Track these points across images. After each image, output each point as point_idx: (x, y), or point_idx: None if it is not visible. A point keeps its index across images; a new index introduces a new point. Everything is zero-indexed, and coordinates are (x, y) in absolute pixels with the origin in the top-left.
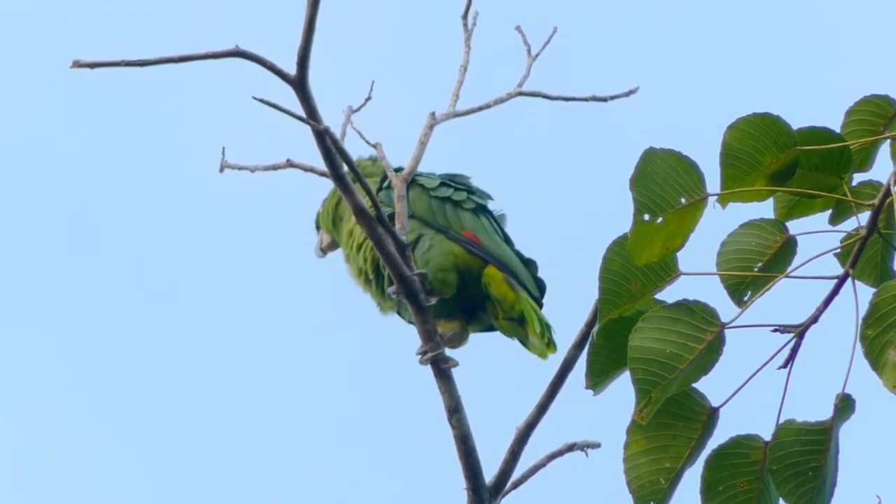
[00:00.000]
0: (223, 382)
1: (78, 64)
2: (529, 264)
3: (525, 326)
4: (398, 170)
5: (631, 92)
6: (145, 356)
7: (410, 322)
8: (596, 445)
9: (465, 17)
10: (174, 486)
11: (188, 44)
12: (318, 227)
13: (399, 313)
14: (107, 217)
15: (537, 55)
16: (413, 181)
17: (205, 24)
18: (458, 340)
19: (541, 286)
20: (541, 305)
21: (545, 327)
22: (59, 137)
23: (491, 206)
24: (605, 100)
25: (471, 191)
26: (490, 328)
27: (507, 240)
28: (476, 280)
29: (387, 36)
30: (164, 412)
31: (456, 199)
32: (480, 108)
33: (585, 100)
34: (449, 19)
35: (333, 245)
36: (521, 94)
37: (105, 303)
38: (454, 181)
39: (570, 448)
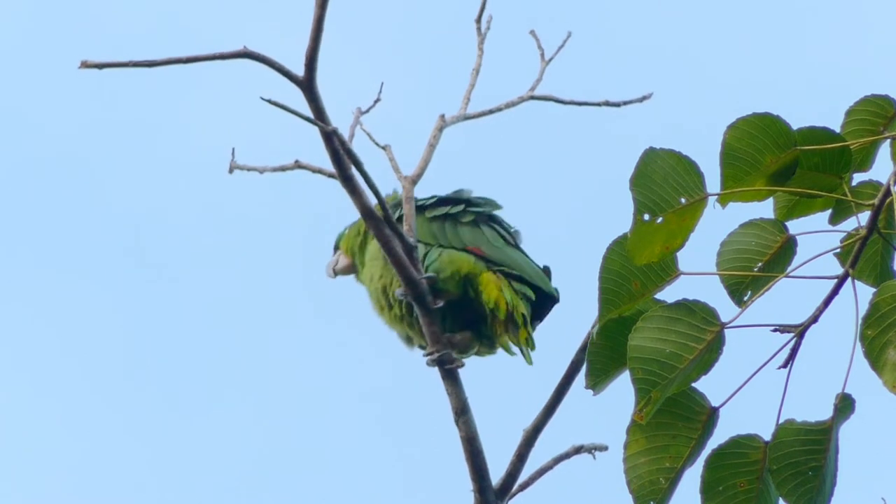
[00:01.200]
0: (231, 382)
1: (86, 64)
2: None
3: (517, 332)
4: None
5: (644, 98)
6: (145, 357)
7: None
8: (603, 448)
9: (478, 20)
10: (163, 474)
11: (197, 45)
12: (336, 247)
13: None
14: (114, 217)
15: (551, 59)
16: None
17: (213, 25)
18: (466, 346)
19: (554, 295)
20: (551, 307)
21: (521, 317)
22: (67, 134)
23: (501, 214)
24: (617, 105)
25: (469, 202)
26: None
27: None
28: (476, 290)
29: (397, 37)
30: (156, 408)
31: (453, 212)
32: (491, 112)
33: (598, 104)
34: (462, 22)
35: (349, 269)
36: (532, 98)
37: (107, 304)
38: (451, 198)
39: (578, 450)
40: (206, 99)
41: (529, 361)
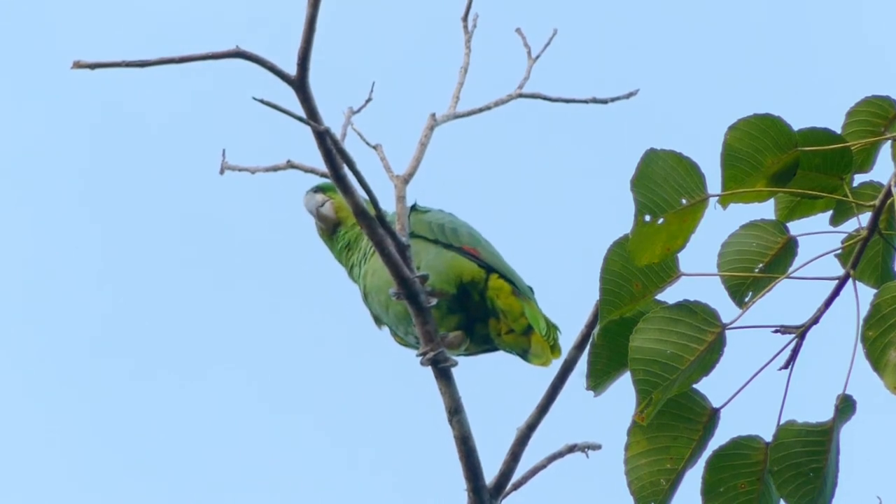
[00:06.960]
0: (222, 379)
1: (78, 65)
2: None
3: (529, 335)
4: None
5: (631, 94)
6: (139, 364)
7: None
8: (596, 447)
9: (465, 18)
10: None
11: (189, 44)
12: (320, 190)
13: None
14: (103, 222)
15: (537, 57)
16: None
17: (205, 24)
18: (458, 343)
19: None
20: None
21: (550, 328)
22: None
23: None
24: (605, 102)
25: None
26: (488, 348)
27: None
28: (480, 292)
29: (387, 37)
30: (152, 419)
31: (450, 225)
32: (481, 110)
33: (585, 101)
34: (449, 21)
35: (332, 221)
36: (521, 95)
37: (103, 309)
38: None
39: (571, 449)
40: (199, 99)
41: (548, 363)
